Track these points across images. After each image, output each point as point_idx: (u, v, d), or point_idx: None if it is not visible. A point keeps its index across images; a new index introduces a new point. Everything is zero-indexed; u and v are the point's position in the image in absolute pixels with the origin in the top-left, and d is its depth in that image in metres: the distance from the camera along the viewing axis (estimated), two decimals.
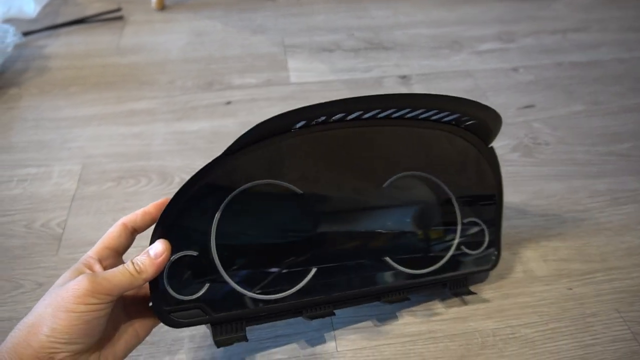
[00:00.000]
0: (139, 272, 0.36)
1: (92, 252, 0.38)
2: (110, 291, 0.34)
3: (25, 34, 0.92)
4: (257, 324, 0.44)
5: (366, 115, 0.45)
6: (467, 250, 0.51)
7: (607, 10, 1.02)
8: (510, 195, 0.63)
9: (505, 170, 0.67)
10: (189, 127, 0.73)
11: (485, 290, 0.54)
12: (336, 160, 0.46)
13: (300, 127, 0.43)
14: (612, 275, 0.55)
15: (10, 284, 0.54)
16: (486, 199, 0.53)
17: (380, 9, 1.02)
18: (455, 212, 0.51)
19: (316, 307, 0.44)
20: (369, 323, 0.51)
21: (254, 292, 0.42)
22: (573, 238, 0.59)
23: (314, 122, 0.43)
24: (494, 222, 0.53)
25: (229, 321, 0.41)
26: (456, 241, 0.50)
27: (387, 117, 0.46)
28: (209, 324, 0.42)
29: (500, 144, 0.71)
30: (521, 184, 0.65)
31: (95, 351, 0.36)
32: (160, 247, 0.37)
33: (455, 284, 0.51)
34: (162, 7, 1.02)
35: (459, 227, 0.50)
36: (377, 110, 0.44)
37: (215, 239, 0.41)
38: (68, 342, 0.33)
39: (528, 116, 0.76)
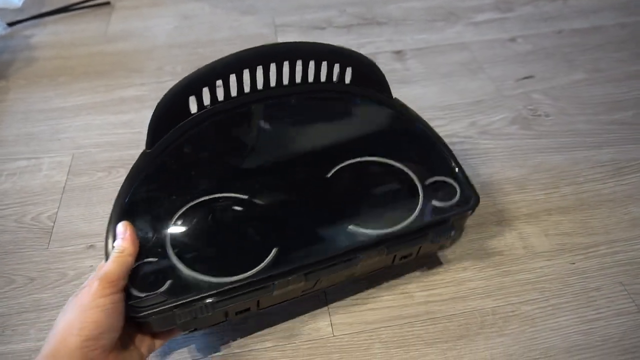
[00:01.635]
0: (121, 252, 0.40)
1: None
2: (115, 277, 0.39)
3: (11, 24, 0.90)
4: (225, 303, 0.41)
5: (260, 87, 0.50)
6: (438, 204, 0.47)
7: None
8: (509, 170, 0.62)
9: (503, 143, 0.65)
10: None
11: (484, 269, 0.52)
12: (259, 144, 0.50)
13: (202, 111, 0.48)
14: (615, 247, 0.54)
15: (2, 279, 0.53)
16: (429, 149, 0.51)
17: None
18: (408, 174, 0.49)
19: (287, 276, 0.42)
20: (365, 306, 0.50)
21: (218, 277, 0.41)
22: (575, 211, 0.57)
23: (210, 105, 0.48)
24: (453, 167, 0.50)
25: (192, 302, 0.40)
26: (420, 199, 0.47)
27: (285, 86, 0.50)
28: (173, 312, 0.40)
29: (498, 117, 0.69)
30: (520, 158, 0.63)
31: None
32: (120, 226, 0.42)
33: (439, 232, 0.46)
34: None
35: (418, 184, 0.48)
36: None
37: (171, 243, 0.43)
38: (97, 337, 0.36)
39: (527, 87, 0.73)
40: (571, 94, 0.72)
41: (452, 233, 0.46)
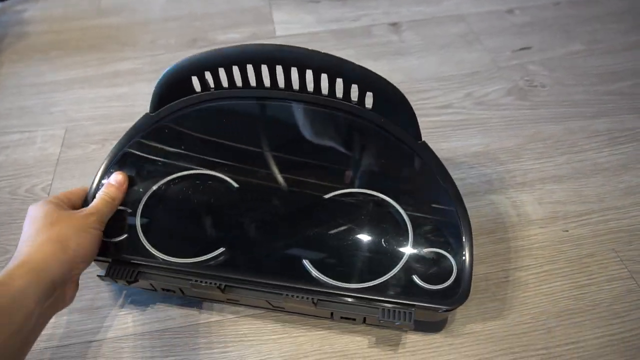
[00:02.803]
0: (113, 199, 0.44)
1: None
2: (104, 217, 0.43)
3: None
4: (149, 275, 0.43)
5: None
6: (419, 282, 0.41)
7: None
8: (505, 139, 0.61)
9: (499, 114, 0.65)
10: None
11: (477, 237, 0.52)
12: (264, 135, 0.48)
13: (214, 90, 0.48)
14: (609, 215, 0.54)
15: None
16: (444, 213, 0.44)
17: None
18: (407, 230, 0.43)
19: (206, 280, 0.41)
20: None
21: (158, 251, 0.43)
22: (569, 180, 0.57)
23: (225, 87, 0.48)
24: (463, 245, 0.42)
25: (122, 263, 0.43)
26: (399, 266, 0.41)
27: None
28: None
29: (493, 88, 0.68)
30: (516, 128, 0.63)
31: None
32: (120, 176, 0.46)
33: (392, 313, 0.39)
34: None
35: (407, 249, 0.42)
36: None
37: (145, 202, 0.45)
38: (84, 259, 0.40)
39: (523, 59, 0.73)
40: (568, 65, 0.72)
41: (400, 323, 0.39)
